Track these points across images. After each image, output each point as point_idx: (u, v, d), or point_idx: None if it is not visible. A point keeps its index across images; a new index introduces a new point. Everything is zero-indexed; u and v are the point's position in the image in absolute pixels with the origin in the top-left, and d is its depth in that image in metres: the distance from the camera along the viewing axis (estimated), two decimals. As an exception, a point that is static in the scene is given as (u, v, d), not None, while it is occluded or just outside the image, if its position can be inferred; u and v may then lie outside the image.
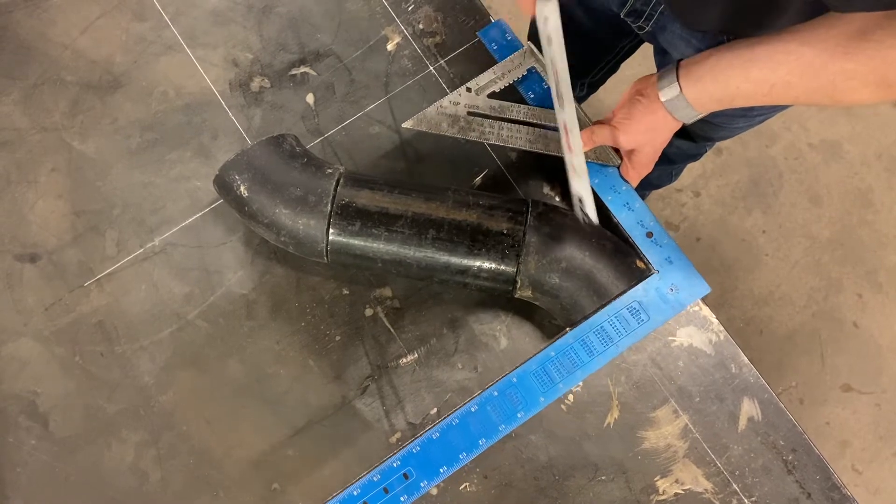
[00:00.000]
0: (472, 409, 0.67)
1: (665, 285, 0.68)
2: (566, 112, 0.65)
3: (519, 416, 0.66)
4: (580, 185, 0.68)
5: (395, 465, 0.65)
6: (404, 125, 0.71)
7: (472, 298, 0.72)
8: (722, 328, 0.70)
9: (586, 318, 0.65)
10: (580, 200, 0.68)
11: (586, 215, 0.69)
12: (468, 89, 0.72)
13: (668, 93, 0.63)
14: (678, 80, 0.62)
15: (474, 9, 0.80)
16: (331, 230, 0.64)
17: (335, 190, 0.65)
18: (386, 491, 0.64)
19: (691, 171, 1.64)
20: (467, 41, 0.79)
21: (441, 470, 0.65)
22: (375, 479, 0.65)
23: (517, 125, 0.71)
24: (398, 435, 0.68)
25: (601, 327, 0.68)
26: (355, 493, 0.65)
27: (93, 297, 0.71)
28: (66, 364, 0.70)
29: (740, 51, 0.59)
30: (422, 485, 0.65)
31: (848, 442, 1.52)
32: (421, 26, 0.79)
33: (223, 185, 0.67)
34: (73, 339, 0.70)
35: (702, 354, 0.70)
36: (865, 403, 1.54)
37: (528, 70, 0.74)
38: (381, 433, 0.69)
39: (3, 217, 0.73)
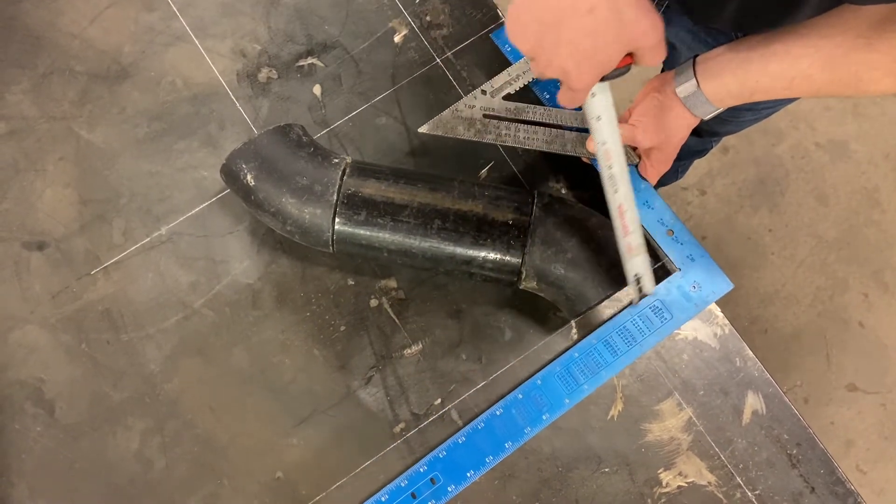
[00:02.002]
0: (498, 413, 0.67)
1: (687, 283, 0.68)
2: (621, 194, 0.60)
3: (544, 417, 0.66)
4: (639, 263, 0.62)
5: (421, 469, 0.65)
6: (420, 130, 0.71)
7: (477, 289, 0.72)
8: (727, 322, 0.70)
9: (590, 308, 0.65)
10: (637, 279, 0.63)
11: (642, 292, 0.64)
12: (483, 92, 0.72)
13: (685, 89, 0.63)
14: (696, 76, 0.62)
15: (482, 1, 0.80)
16: (337, 219, 0.65)
17: (341, 179, 0.65)
18: (414, 496, 0.65)
19: (697, 169, 1.64)
20: (474, 34, 0.79)
21: (468, 474, 0.65)
22: (403, 484, 0.65)
23: (534, 126, 0.71)
24: (402, 425, 0.69)
25: (624, 327, 0.68)
26: (383, 498, 0.65)
27: (99, 286, 0.72)
28: (72, 351, 0.70)
29: (758, 45, 0.59)
30: (449, 489, 0.65)
31: (853, 442, 1.51)
32: (428, 18, 0.80)
33: (230, 173, 0.67)
34: (79, 327, 0.71)
35: (706, 348, 0.70)
36: (870, 403, 1.53)
37: None
38: (385, 423, 0.69)
39: (12, 205, 0.74)
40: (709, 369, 0.69)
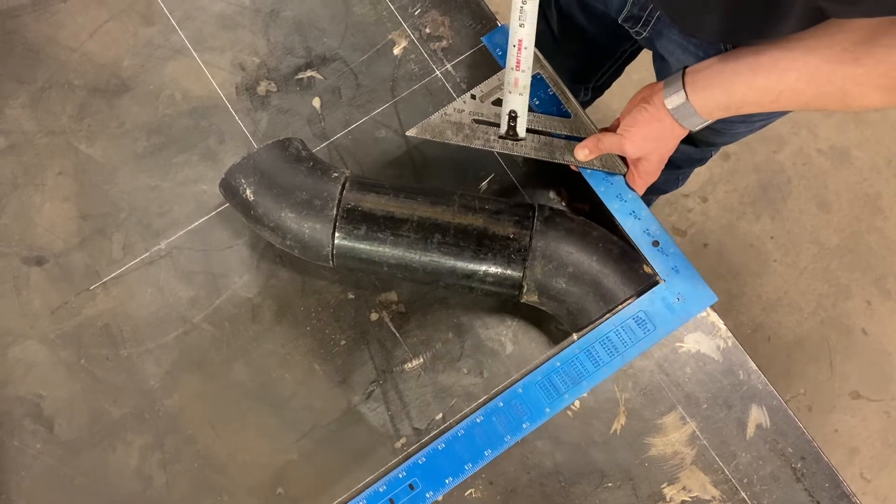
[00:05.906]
0: (478, 420, 0.66)
1: (671, 295, 0.68)
2: (526, 30, 0.64)
3: (524, 426, 0.66)
4: (519, 101, 0.68)
5: (400, 475, 0.65)
6: (408, 133, 0.70)
7: (477, 303, 0.72)
8: (730, 334, 0.70)
9: (592, 322, 0.65)
10: (512, 116, 0.69)
11: (513, 130, 0.69)
12: (473, 96, 0.72)
13: (674, 100, 0.63)
14: (684, 88, 0.62)
15: (481, 13, 0.80)
16: (336, 234, 0.64)
17: (341, 194, 0.65)
18: (392, 502, 0.64)
19: (699, 176, 1.63)
20: (474, 45, 0.79)
21: (447, 481, 0.65)
22: (381, 489, 0.64)
23: None
24: (403, 440, 0.68)
25: (607, 337, 0.67)
26: None
27: (99, 301, 0.71)
28: (71, 367, 0.70)
29: (746, 58, 0.59)
30: (427, 496, 0.64)
31: (856, 449, 1.51)
32: (427, 30, 0.79)
33: (229, 188, 0.67)
34: (78, 343, 0.70)
35: (709, 361, 0.69)
36: (874, 411, 1.53)
37: (533, 76, 0.73)
38: (386, 438, 0.68)
39: (11, 220, 0.74)
40: (712, 382, 0.69)
